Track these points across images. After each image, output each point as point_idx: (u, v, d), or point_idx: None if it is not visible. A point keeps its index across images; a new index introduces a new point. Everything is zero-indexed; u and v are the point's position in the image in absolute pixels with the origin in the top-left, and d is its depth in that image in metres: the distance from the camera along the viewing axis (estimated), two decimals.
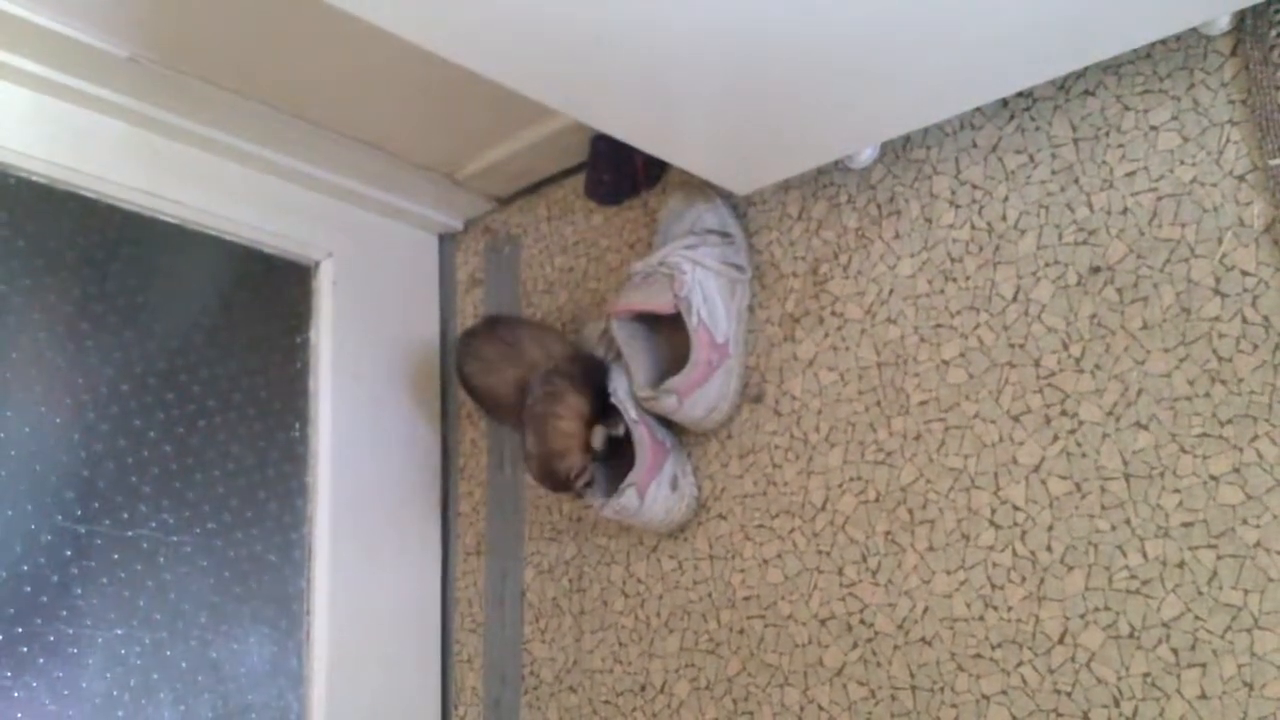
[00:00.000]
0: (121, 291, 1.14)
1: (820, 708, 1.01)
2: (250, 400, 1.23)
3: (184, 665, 1.10)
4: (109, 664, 1.05)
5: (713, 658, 1.09)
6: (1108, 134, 0.93)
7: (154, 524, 1.11)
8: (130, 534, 1.09)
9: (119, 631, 1.06)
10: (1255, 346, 0.83)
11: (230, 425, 1.20)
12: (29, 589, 1.01)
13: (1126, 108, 0.92)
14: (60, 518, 1.04)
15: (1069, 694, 0.87)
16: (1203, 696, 0.81)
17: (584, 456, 1.11)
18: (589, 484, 1.12)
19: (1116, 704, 0.85)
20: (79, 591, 1.04)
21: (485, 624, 1.32)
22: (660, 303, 1.07)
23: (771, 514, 1.08)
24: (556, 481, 1.11)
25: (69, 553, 1.04)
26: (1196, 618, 0.83)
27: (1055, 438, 0.91)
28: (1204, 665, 0.82)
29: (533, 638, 1.27)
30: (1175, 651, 0.83)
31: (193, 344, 1.19)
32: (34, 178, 1.09)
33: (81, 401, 1.09)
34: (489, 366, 1.21)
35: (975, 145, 1.01)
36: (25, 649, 1.00)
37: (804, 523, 1.05)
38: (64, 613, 1.03)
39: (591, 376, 1.13)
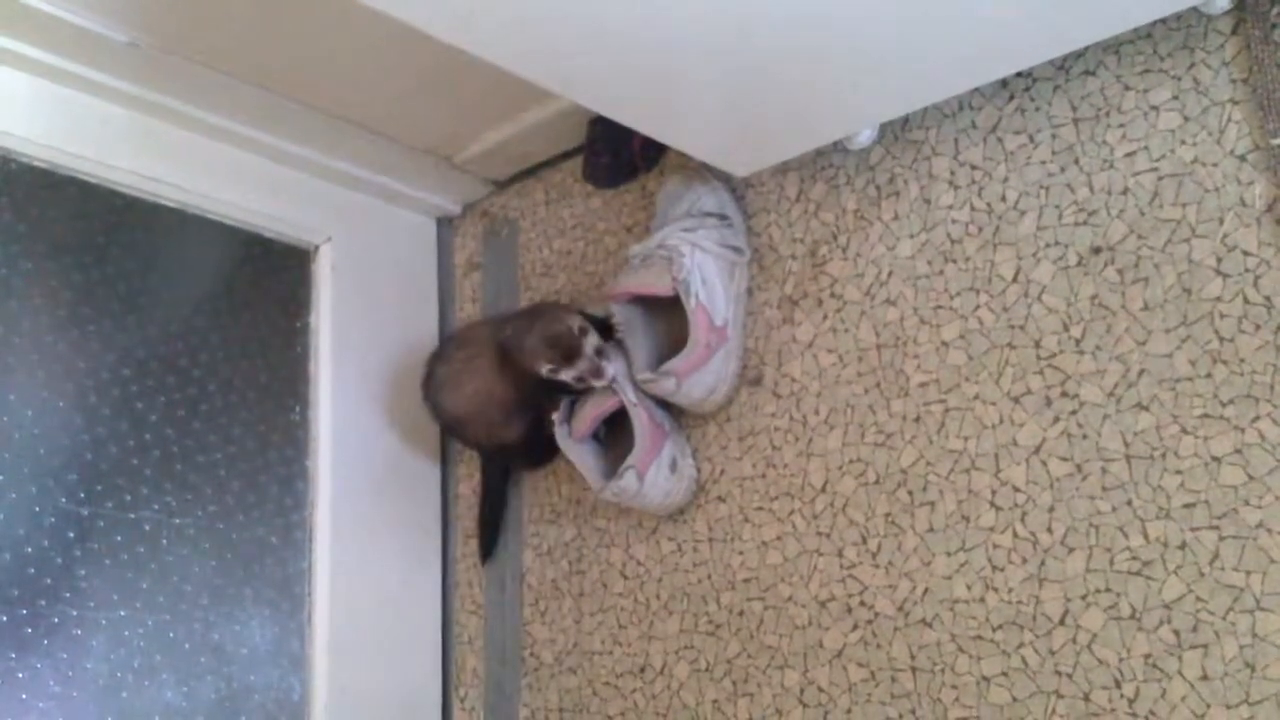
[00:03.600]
0: (122, 276, 1.14)
1: (820, 689, 1.01)
2: (251, 384, 1.23)
3: (187, 647, 1.10)
4: (112, 645, 1.05)
5: (712, 639, 1.10)
6: (1108, 114, 0.92)
7: (156, 506, 1.11)
8: (133, 516, 1.09)
9: (122, 613, 1.07)
10: (1257, 327, 0.83)
11: (231, 409, 1.20)
12: (33, 571, 1.02)
13: (1127, 87, 0.92)
14: (63, 500, 1.05)
15: (1070, 675, 0.87)
16: (1204, 678, 0.81)
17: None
18: (600, 352, 1.09)
19: (1118, 685, 0.85)
20: (82, 573, 1.05)
21: (485, 606, 1.32)
22: (659, 285, 1.07)
23: (771, 496, 1.08)
24: (565, 344, 1.09)
25: (72, 535, 1.05)
26: (1198, 599, 0.83)
27: (1056, 419, 0.91)
28: (1206, 647, 0.82)
29: (533, 620, 1.27)
30: (1177, 633, 0.83)
31: (193, 328, 1.19)
32: (35, 162, 1.09)
33: (84, 385, 1.09)
34: (444, 386, 1.22)
35: (974, 126, 1.00)
36: (29, 630, 1.00)
37: (803, 505, 1.05)
38: (67, 594, 1.03)
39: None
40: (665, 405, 1.13)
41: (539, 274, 1.35)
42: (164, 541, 1.11)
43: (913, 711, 0.95)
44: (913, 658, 0.96)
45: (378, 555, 1.29)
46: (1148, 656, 0.84)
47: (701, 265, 1.08)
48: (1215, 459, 0.83)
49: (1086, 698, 0.86)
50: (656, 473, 1.08)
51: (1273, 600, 0.79)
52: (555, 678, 1.23)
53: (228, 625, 1.14)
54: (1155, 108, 0.90)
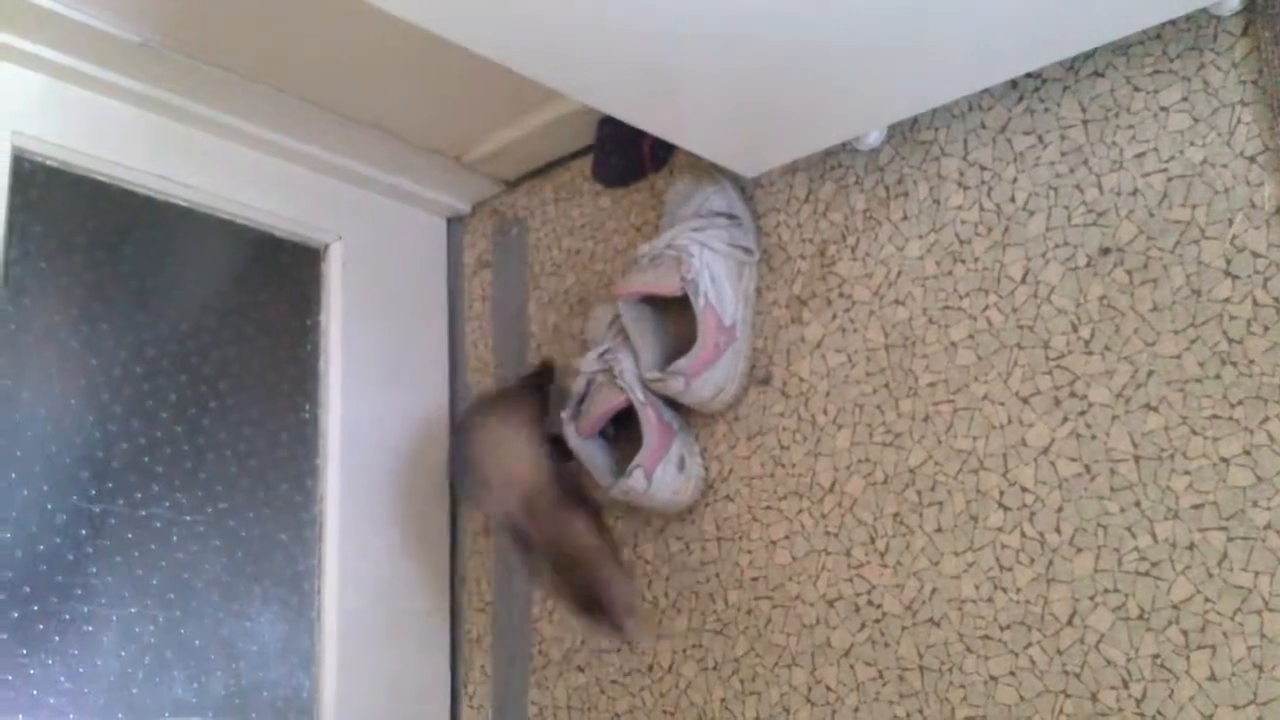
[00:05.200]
0: (134, 274, 1.14)
1: (828, 688, 1.01)
2: (261, 382, 1.23)
3: (197, 643, 1.11)
4: (123, 642, 1.06)
5: (720, 638, 1.10)
6: (1117, 115, 0.93)
7: (167, 504, 1.12)
8: (144, 513, 1.10)
9: (133, 610, 1.07)
10: (1266, 328, 0.83)
11: (241, 407, 1.21)
12: (45, 568, 1.02)
13: (1136, 89, 0.92)
14: (75, 497, 1.06)
15: (1078, 675, 0.88)
16: (1212, 678, 0.81)
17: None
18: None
19: (1125, 685, 0.85)
20: (94, 570, 1.05)
21: (494, 604, 1.33)
22: (667, 285, 1.07)
23: (779, 495, 1.08)
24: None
25: (84, 532, 1.05)
26: (1206, 600, 0.83)
27: (1065, 419, 0.91)
28: (1214, 647, 0.82)
29: (541, 617, 1.27)
30: (1185, 633, 0.83)
31: (204, 327, 1.20)
32: (48, 162, 1.10)
33: (96, 383, 1.10)
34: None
35: (984, 127, 1.00)
36: (41, 627, 1.01)
37: (812, 504, 1.05)
38: (79, 591, 1.04)
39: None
40: (673, 404, 1.13)
41: (548, 273, 1.35)
42: (174, 539, 1.11)
43: (920, 710, 0.95)
44: (920, 657, 0.96)
45: (386, 553, 1.29)
46: (1155, 657, 0.84)
47: (710, 265, 1.08)
48: (1224, 460, 0.83)
49: (1094, 697, 0.86)
50: (664, 471, 1.08)
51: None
52: (563, 676, 1.23)
53: (238, 622, 1.15)
54: (1165, 109, 0.90)
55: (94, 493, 1.07)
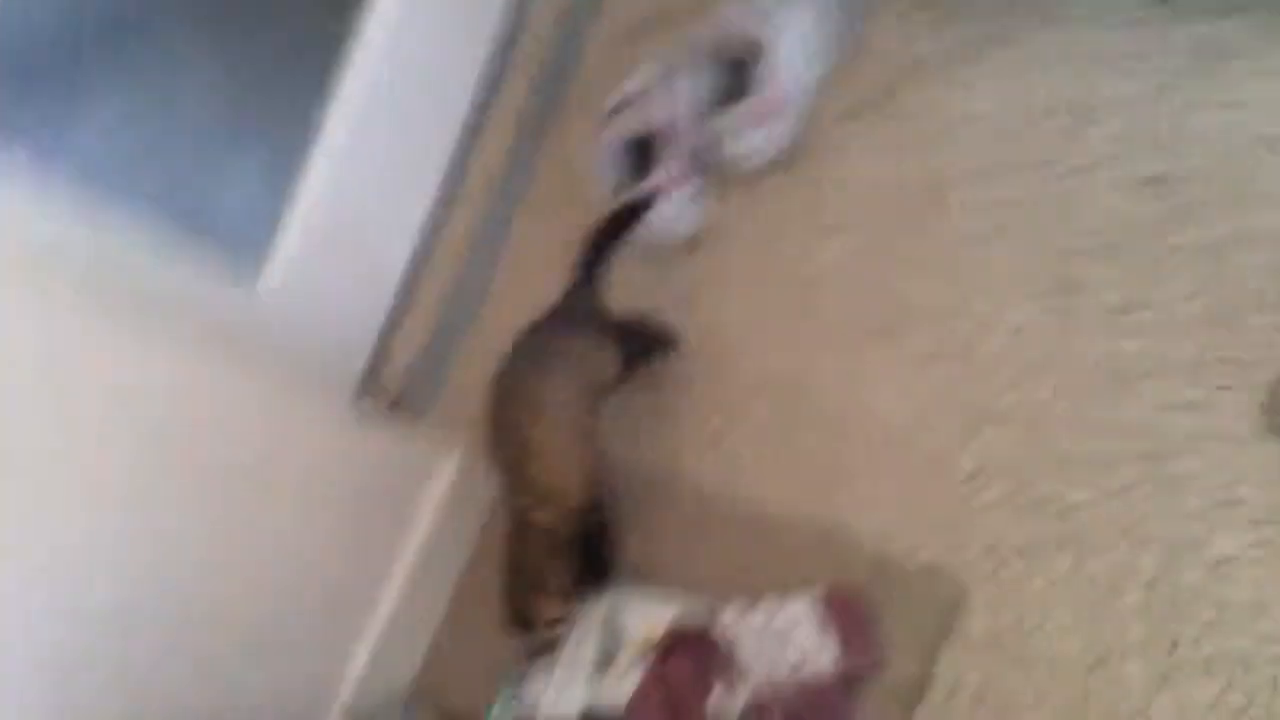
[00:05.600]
0: None
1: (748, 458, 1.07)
2: None
3: (174, 155, 1.09)
4: (103, 130, 1.03)
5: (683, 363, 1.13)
6: (1224, 63, 0.91)
7: (189, 25, 1.08)
8: (161, 29, 1.06)
9: (120, 103, 1.04)
10: (1273, 306, 0.85)
11: None
12: (46, 45, 0.99)
13: (1246, 44, 0.91)
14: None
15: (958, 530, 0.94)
16: (1051, 583, 0.89)
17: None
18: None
19: (993, 554, 0.92)
20: (94, 57, 1.02)
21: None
22: (745, 37, 1.07)
23: (773, 277, 1.10)
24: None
25: (95, 23, 1.01)
26: (1095, 509, 0.88)
27: (1051, 310, 0.94)
28: (1076, 552, 0.88)
29: None
30: (1063, 534, 0.89)
31: None
32: None
33: None
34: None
35: (1098, 22, 0.98)
36: (28, 99, 0.98)
37: (801, 291, 1.08)
38: (74, 73, 1.01)
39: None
40: (703, 159, 1.13)
41: None
42: (186, 58, 1.08)
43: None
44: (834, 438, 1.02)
45: (382, 158, 1.27)
46: (1024, 547, 0.90)
47: (789, 34, 1.07)
48: (1171, 406, 0.87)
49: (969, 566, 0.92)
50: (673, 200, 1.11)
51: (1154, 544, 0.86)
52: None
53: (220, 151, 1.13)
54: (1267, 72, 0.90)
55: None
